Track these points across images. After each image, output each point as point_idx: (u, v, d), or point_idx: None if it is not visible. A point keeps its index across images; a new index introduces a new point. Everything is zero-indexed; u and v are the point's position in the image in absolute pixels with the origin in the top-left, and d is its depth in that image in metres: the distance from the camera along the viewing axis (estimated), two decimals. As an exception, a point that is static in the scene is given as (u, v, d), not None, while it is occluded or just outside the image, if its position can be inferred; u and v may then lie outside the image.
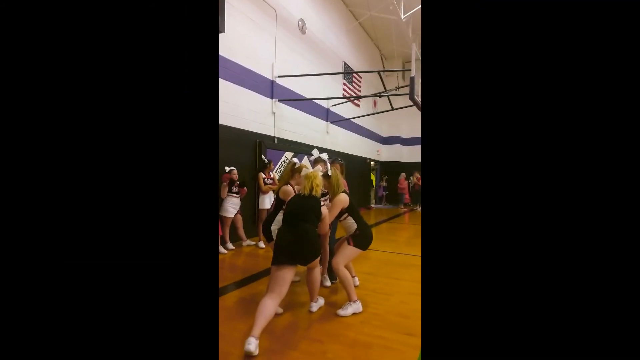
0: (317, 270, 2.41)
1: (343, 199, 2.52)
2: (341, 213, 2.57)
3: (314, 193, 2.31)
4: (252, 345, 1.80)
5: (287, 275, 2.11)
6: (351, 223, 2.59)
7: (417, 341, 2.02)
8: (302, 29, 6.86)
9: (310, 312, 2.44)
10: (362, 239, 2.56)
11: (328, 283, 3.06)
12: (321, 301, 2.55)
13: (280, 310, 2.38)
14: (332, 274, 3.12)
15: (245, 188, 4.48)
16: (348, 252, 2.54)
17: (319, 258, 2.31)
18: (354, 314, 2.42)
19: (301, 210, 2.26)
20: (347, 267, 2.72)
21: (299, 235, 2.18)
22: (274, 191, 4.57)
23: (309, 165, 2.73)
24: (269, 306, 1.98)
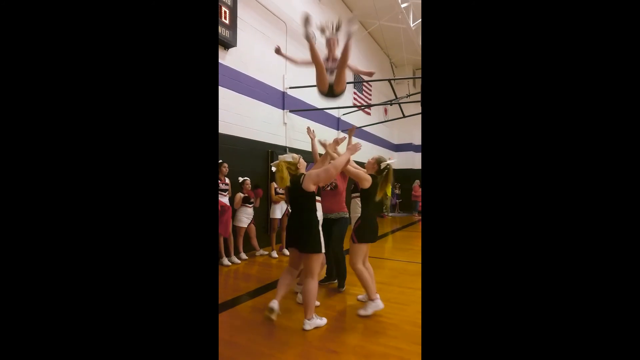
0: (313, 284, 2.27)
1: (366, 178, 2.54)
2: (354, 189, 2.64)
3: (282, 186, 2.35)
4: (275, 304, 2.20)
5: (295, 254, 2.38)
6: (357, 206, 2.63)
7: (435, 352, 1.97)
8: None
9: (304, 329, 2.24)
10: (364, 230, 2.51)
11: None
12: (319, 321, 2.31)
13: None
14: (341, 282, 3.15)
15: (260, 189, 4.51)
16: (356, 249, 2.51)
17: (316, 263, 2.25)
18: (374, 312, 2.45)
19: (292, 201, 2.45)
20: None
21: (296, 222, 2.35)
22: (285, 201, 4.58)
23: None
24: (287, 276, 2.39)
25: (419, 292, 3.06)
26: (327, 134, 7.55)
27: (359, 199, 2.60)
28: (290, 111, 6.07)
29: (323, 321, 2.33)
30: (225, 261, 4.13)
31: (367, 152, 9.79)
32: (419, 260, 4.48)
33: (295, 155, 2.43)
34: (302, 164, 2.44)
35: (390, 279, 3.55)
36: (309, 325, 2.26)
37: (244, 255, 4.40)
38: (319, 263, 2.28)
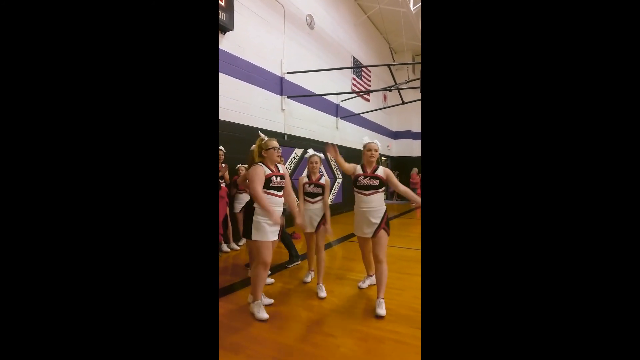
0: (256, 268, 2.31)
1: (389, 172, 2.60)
2: (381, 185, 2.44)
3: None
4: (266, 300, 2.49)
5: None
6: (381, 200, 2.46)
7: (431, 336, 2.01)
8: (310, 24, 6.83)
9: (251, 313, 2.29)
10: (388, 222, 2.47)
11: (323, 294, 2.68)
12: (257, 311, 2.26)
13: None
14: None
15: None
16: (385, 242, 2.46)
17: (254, 249, 2.29)
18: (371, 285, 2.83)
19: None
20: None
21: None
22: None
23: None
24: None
25: (416, 278, 3.12)
26: (326, 120, 7.49)
27: (382, 193, 2.50)
28: (289, 97, 5.99)
29: (263, 314, 2.25)
30: (225, 247, 4.16)
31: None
32: (416, 246, 4.52)
33: (270, 142, 2.35)
34: (269, 157, 2.33)
35: (388, 265, 3.58)
36: (251, 307, 2.35)
37: (242, 242, 4.42)
38: (257, 249, 2.26)
